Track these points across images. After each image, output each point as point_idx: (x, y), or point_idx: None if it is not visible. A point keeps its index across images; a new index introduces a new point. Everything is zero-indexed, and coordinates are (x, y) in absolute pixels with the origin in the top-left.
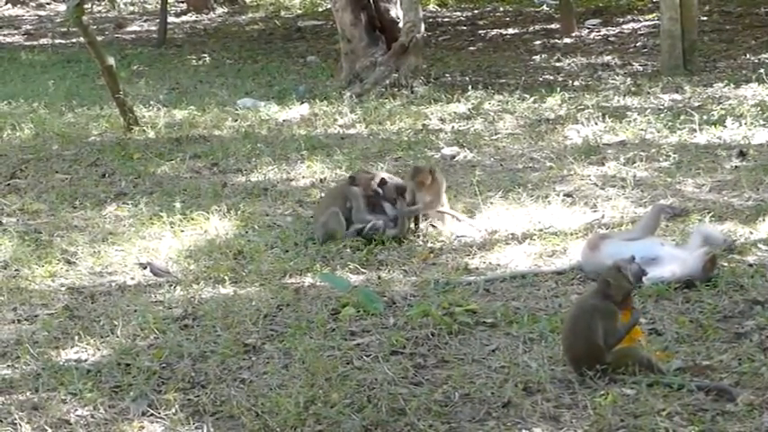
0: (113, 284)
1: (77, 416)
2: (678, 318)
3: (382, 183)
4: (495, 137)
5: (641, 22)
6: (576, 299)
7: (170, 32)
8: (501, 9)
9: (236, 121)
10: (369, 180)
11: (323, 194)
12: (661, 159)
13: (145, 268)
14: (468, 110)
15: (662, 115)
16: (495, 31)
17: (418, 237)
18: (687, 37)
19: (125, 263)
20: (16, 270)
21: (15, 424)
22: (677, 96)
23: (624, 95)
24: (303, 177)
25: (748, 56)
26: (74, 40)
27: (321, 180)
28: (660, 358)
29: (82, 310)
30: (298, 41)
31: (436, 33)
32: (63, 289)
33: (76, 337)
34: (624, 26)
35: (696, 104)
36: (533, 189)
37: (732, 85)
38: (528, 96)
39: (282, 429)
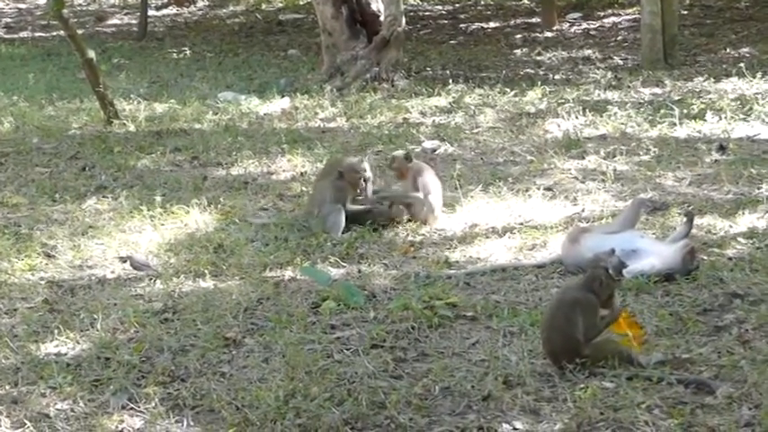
0: (93, 278)
1: (57, 409)
2: (658, 311)
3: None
4: (475, 130)
5: (622, 16)
6: (557, 291)
7: (151, 26)
8: (482, 3)
9: (217, 114)
10: (357, 179)
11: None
12: (641, 153)
13: (125, 262)
14: (449, 103)
15: (642, 109)
16: (476, 25)
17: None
18: (668, 31)
19: (105, 256)
20: None
21: None
22: (658, 90)
23: (605, 89)
24: (284, 171)
25: (728, 50)
26: (54, 34)
27: (302, 174)
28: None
29: (62, 303)
30: (279, 35)
31: (417, 27)
32: (43, 282)
33: (56, 331)
34: (605, 20)
35: (676, 98)
36: (514, 183)
37: (712, 80)
38: (509, 90)
39: (262, 423)
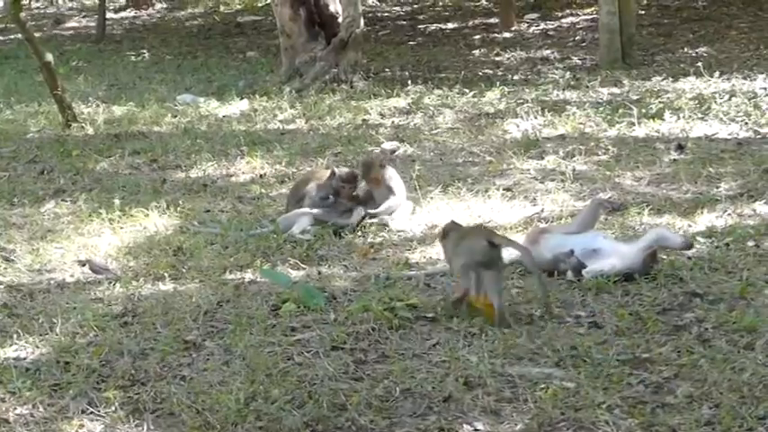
0: (52, 282)
1: (16, 414)
2: (618, 311)
3: (332, 176)
4: (434, 131)
5: (580, 16)
6: None
7: (109, 28)
8: (440, 4)
9: (176, 117)
10: (347, 187)
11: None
12: (600, 153)
13: (84, 265)
14: (408, 104)
15: (601, 109)
16: (434, 26)
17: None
18: (625, 31)
19: (64, 260)
20: None
21: None
22: (616, 90)
23: (563, 89)
24: (243, 173)
25: (686, 49)
26: (12, 37)
27: (261, 176)
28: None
29: (20, 307)
30: (237, 37)
31: (376, 28)
32: (1, 287)
33: (15, 336)
34: (563, 20)
35: (635, 98)
36: (473, 183)
37: (670, 79)
38: (467, 91)
39: (223, 426)
